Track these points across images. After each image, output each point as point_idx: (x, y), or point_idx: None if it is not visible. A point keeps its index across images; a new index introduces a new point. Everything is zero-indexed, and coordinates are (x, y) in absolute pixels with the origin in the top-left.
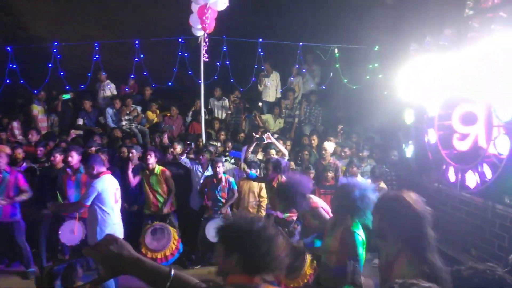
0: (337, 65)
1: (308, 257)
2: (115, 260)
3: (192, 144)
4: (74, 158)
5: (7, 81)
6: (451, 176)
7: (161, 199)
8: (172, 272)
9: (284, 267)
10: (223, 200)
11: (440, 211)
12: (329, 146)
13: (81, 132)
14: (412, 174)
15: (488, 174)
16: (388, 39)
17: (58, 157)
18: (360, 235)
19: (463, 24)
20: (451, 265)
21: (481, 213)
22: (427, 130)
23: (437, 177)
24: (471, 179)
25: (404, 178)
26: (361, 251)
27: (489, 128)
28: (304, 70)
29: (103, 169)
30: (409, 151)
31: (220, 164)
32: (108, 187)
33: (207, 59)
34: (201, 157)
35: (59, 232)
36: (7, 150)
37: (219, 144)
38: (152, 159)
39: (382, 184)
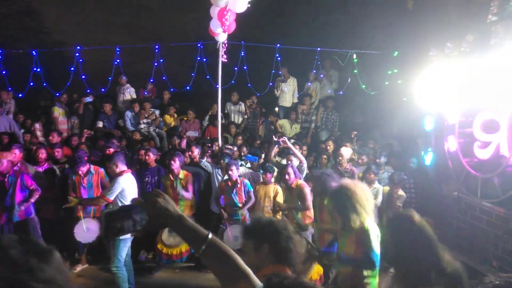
0: (355, 71)
1: (316, 265)
2: (161, 213)
3: (214, 146)
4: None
5: (31, 83)
6: (472, 185)
7: (182, 204)
8: (210, 236)
9: (299, 264)
10: (239, 205)
11: (460, 220)
12: (346, 152)
13: (92, 132)
14: (431, 182)
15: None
16: (408, 45)
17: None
18: (375, 232)
19: (486, 30)
20: (470, 276)
21: (503, 223)
22: (447, 137)
23: (457, 185)
24: (493, 189)
25: (423, 186)
26: (377, 247)
27: None
28: (321, 76)
29: (125, 167)
30: (428, 158)
31: (233, 167)
32: (130, 185)
33: (226, 60)
34: (221, 161)
35: (74, 231)
36: (9, 156)
37: (235, 148)
38: (176, 164)
39: (401, 192)
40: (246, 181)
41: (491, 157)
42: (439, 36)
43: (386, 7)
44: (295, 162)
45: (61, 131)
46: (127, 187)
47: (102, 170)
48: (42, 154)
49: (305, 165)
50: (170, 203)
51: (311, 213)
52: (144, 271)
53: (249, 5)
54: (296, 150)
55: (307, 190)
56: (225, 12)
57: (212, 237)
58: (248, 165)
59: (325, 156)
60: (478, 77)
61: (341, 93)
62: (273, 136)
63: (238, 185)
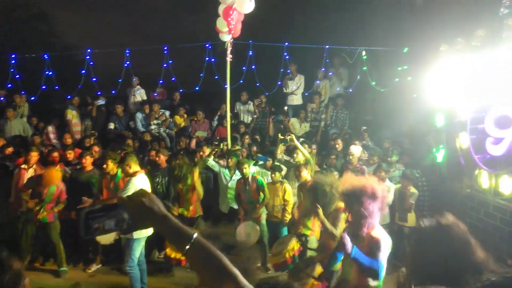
0: (364, 68)
1: (319, 269)
2: (145, 213)
3: (221, 144)
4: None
5: (43, 87)
6: (484, 181)
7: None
8: (195, 236)
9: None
10: (254, 201)
11: (473, 218)
12: (356, 150)
13: (96, 133)
14: (443, 179)
15: None
16: (418, 41)
17: (88, 160)
18: (386, 243)
19: (498, 23)
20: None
21: None
22: (458, 134)
23: (470, 182)
24: (506, 185)
25: (435, 183)
26: (384, 258)
27: None
28: (330, 73)
29: (138, 168)
30: (440, 155)
31: (246, 165)
32: (144, 185)
33: (231, 59)
34: (229, 160)
35: None
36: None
37: (242, 147)
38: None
39: (413, 189)
40: (258, 177)
41: (505, 153)
42: (449, 31)
43: (395, 3)
44: (300, 159)
45: (75, 133)
46: (141, 187)
47: None
48: (57, 157)
49: (311, 162)
50: (155, 203)
51: None
52: (157, 271)
53: (253, 6)
54: (302, 148)
55: None
56: (230, 12)
57: (197, 236)
58: (261, 162)
59: (333, 156)
60: (490, 72)
61: (351, 90)
62: (279, 134)
63: (250, 183)
